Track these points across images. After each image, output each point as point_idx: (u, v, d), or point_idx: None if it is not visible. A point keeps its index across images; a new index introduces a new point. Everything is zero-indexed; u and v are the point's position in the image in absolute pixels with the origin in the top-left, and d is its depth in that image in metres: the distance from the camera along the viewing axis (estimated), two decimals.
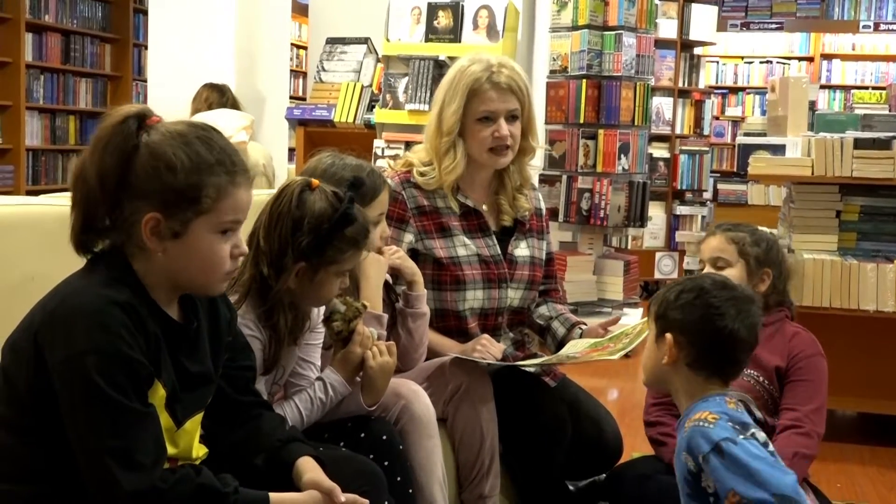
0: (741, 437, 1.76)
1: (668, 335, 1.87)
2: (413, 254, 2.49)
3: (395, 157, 4.62)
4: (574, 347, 2.42)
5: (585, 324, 2.58)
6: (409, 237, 2.49)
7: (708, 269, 2.46)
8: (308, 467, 1.74)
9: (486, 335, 2.46)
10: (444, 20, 5.24)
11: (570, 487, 2.60)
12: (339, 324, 2.05)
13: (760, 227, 2.63)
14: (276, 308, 1.96)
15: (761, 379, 2.40)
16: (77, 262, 1.60)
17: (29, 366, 1.50)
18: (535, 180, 5.50)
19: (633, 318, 5.34)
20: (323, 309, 2.09)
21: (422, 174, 2.53)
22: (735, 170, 8.18)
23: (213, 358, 1.68)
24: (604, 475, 2.59)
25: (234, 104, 5.04)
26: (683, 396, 1.90)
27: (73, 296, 1.51)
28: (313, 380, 2.08)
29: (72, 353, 1.46)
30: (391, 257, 2.32)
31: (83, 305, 1.48)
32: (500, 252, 2.55)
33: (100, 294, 1.49)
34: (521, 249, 2.60)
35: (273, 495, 1.63)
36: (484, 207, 2.57)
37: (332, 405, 2.07)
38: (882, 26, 10.19)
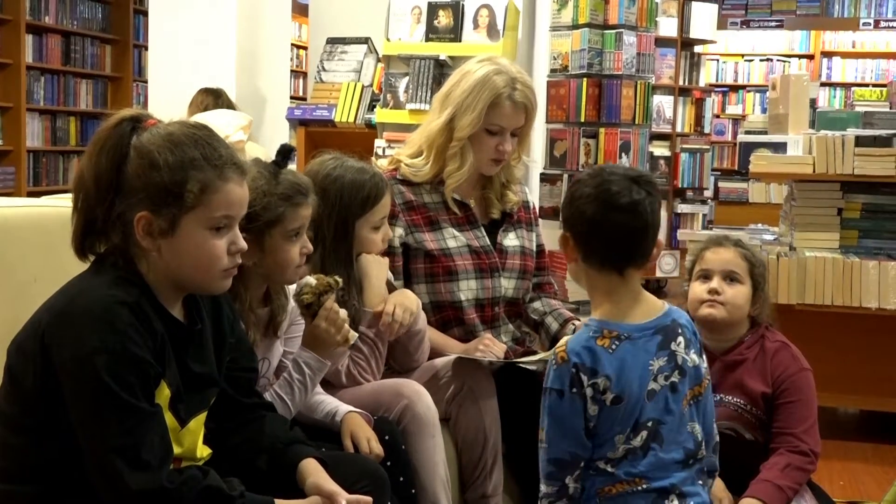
0: (571, 390, 1.78)
1: (562, 235, 1.88)
2: (404, 248, 2.51)
3: (384, 157, 4.61)
4: None
5: (579, 319, 2.59)
6: (399, 231, 2.51)
7: (717, 281, 2.39)
8: (311, 470, 1.74)
9: (488, 335, 2.46)
10: (444, 19, 5.24)
11: None
12: (308, 297, 2.05)
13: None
14: (248, 286, 1.97)
15: (748, 406, 2.34)
16: (79, 264, 1.60)
17: (35, 365, 1.51)
18: (537, 178, 5.53)
19: None
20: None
21: (410, 166, 2.55)
22: (736, 168, 8.19)
23: (216, 359, 1.68)
24: None
25: (229, 107, 5.04)
26: (592, 293, 1.88)
27: (81, 296, 1.51)
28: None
29: (80, 352, 1.46)
30: (393, 322, 2.27)
31: (91, 305, 1.49)
32: (489, 243, 2.57)
33: (107, 294, 1.50)
34: (511, 239, 2.62)
35: (279, 502, 1.63)
36: (471, 202, 2.59)
37: (314, 383, 2.06)
38: (882, 23, 10.19)
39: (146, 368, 1.50)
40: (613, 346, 1.81)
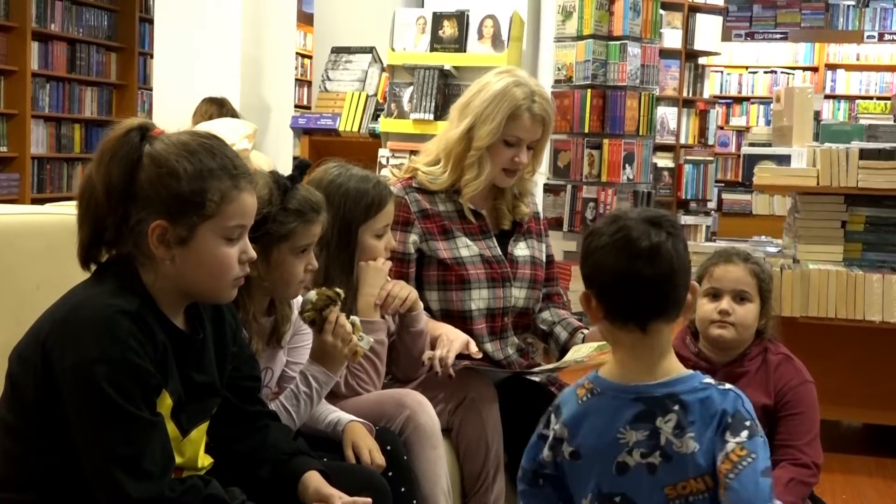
0: (542, 428, 1.74)
1: (582, 293, 1.65)
2: (419, 255, 2.52)
3: (399, 167, 4.63)
4: (578, 352, 2.42)
5: (587, 328, 2.59)
6: (413, 237, 2.52)
7: (727, 301, 2.35)
8: (313, 482, 1.73)
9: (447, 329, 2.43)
10: (448, 30, 5.25)
11: None
12: (310, 313, 2.04)
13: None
14: (252, 296, 1.97)
15: None
16: (83, 271, 1.60)
17: (36, 374, 1.50)
18: (540, 189, 5.53)
19: None
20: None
21: (427, 174, 2.57)
22: (740, 179, 8.18)
23: (218, 368, 1.68)
24: None
25: (233, 116, 5.05)
26: (615, 350, 1.67)
27: (82, 305, 1.51)
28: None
29: (81, 361, 1.46)
30: (389, 297, 2.30)
31: (92, 314, 1.49)
32: (501, 253, 2.58)
33: (109, 303, 1.50)
34: (521, 249, 2.63)
35: None
36: (483, 212, 2.60)
37: (321, 396, 2.06)
38: (886, 36, 10.21)
39: (147, 378, 1.50)
40: (584, 399, 1.66)
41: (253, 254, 1.62)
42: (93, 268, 1.60)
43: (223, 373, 1.70)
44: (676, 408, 1.59)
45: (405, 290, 2.33)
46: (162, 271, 1.56)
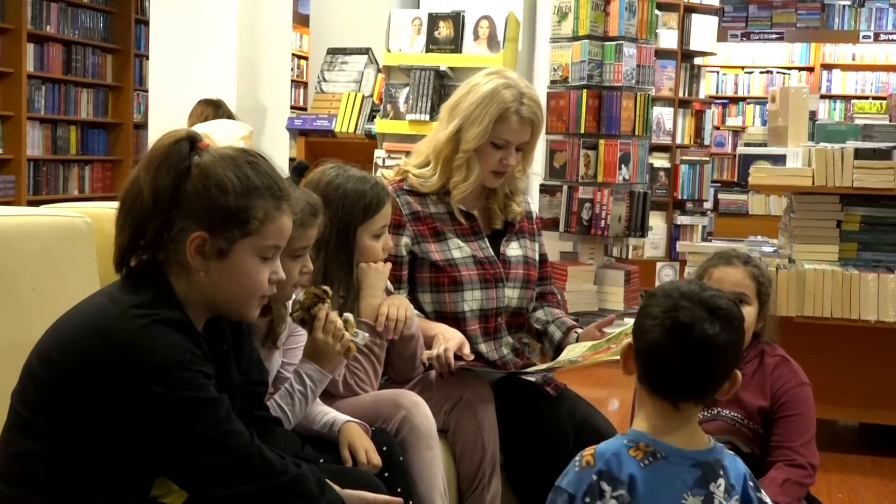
0: (584, 499, 1.56)
1: (628, 343, 1.67)
2: (411, 257, 2.52)
3: (391, 168, 4.63)
4: (573, 352, 2.42)
5: (581, 328, 2.59)
6: (405, 240, 2.52)
7: None
8: None
9: (443, 328, 2.43)
10: (444, 31, 5.25)
11: None
12: (299, 313, 2.04)
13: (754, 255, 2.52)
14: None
15: (745, 420, 2.34)
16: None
17: (67, 383, 1.49)
18: (536, 190, 5.54)
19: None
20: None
21: (418, 176, 2.56)
22: (736, 180, 8.20)
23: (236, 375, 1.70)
24: None
25: (229, 118, 5.05)
26: (640, 407, 1.67)
27: (124, 323, 1.49)
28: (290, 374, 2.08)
29: (141, 385, 1.46)
30: (389, 321, 2.28)
31: (137, 332, 1.47)
32: (493, 253, 2.57)
33: (153, 312, 1.49)
34: (514, 249, 2.62)
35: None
36: (475, 212, 2.60)
37: (315, 395, 2.06)
38: (882, 36, 10.23)
39: (203, 367, 1.51)
40: (647, 462, 1.59)
41: (282, 275, 1.64)
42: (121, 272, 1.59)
43: (239, 379, 1.72)
44: (721, 472, 1.61)
45: (402, 309, 2.31)
46: (195, 282, 1.56)
